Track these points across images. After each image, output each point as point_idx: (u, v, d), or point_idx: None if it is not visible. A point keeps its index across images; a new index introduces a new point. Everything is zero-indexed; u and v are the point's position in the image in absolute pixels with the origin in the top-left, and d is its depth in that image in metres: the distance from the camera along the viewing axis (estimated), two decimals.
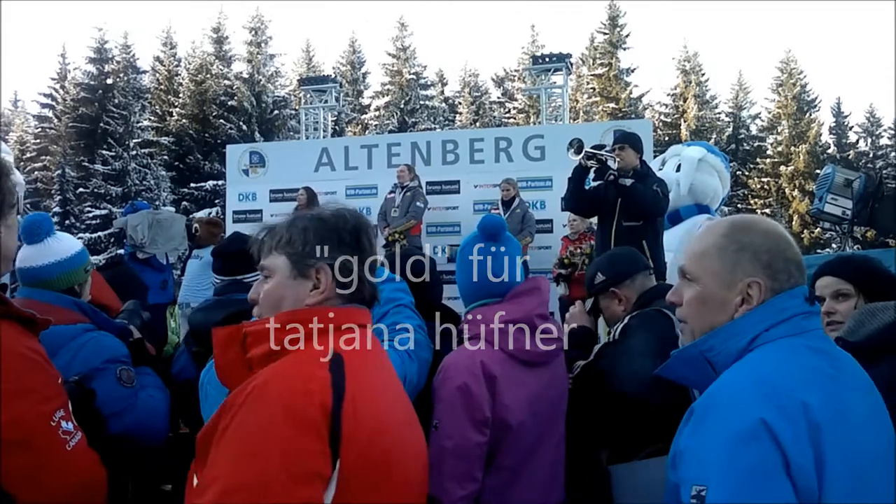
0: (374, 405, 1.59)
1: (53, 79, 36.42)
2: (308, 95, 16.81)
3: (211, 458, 1.46)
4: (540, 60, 15.69)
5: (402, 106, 36.98)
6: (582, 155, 6.25)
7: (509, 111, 38.57)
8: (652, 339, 2.70)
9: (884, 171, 33.05)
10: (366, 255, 1.78)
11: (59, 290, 2.76)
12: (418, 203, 10.25)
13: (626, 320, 2.94)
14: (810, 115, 36.84)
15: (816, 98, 37.66)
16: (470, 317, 2.60)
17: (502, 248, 2.62)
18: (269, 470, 1.39)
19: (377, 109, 38.66)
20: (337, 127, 30.76)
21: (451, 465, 2.31)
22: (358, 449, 1.48)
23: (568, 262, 9.08)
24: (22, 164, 31.82)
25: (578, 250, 9.05)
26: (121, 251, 8.53)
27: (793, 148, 35.07)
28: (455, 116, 39.16)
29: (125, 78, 33.45)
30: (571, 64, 15.76)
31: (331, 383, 1.51)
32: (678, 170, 8.00)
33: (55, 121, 34.30)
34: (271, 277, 1.74)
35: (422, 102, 38.09)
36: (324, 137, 15.74)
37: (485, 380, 2.40)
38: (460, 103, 40.02)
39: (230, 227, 11.95)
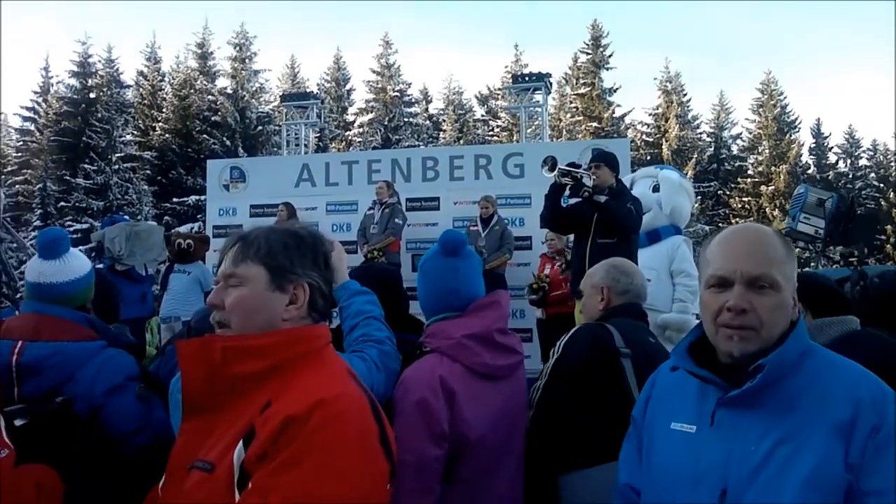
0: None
1: (36, 92, 36.32)
2: (290, 111, 16.82)
3: (277, 476, 1.44)
4: (520, 79, 15.80)
5: (385, 123, 37.12)
6: (556, 172, 6.31)
7: (493, 129, 38.73)
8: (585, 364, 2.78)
9: (863, 192, 33.51)
10: (332, 277, 1.86)
11: (74, 307, 2.79)
12: (397, 219, 10.28)
13: (571, 333, 2.92)
14: (790, 135, 37.32)
15: (797, 119, 38.26)
16: (430, 330, 2.63)
17: (463, 262, 2.66)
18: (362, 490, 1.50)
19: (361, 126, 38.76)
20: (321, 143, 30.77)
21: (409, 478, 2.28)
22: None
23: (537, 286, 9.13)
24: (3, 177, 31.68)
25: (557, 263, 9.10)
26: (100, 265, 8.52)
27: (773, 168, 35.45)
28: (439, 134, 39.28)
29: (108, 92, 33.31)
30: (551, 83, 15.88)
31: (370, 405, 1.63)
32: (655, 190, 8.06)
33: (37, 134, 34.07)
34: (242, 286, 1.69)
35: (406, 119, 38.25)
36: (305, 153, 15.75)
37: (443, 394, 2.41)
38: (444, 121, 40.13)
39: (211, 243, 11.94)
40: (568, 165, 6.46)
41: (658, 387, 2.01)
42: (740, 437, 1.69)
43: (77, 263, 2.86)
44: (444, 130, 39.25)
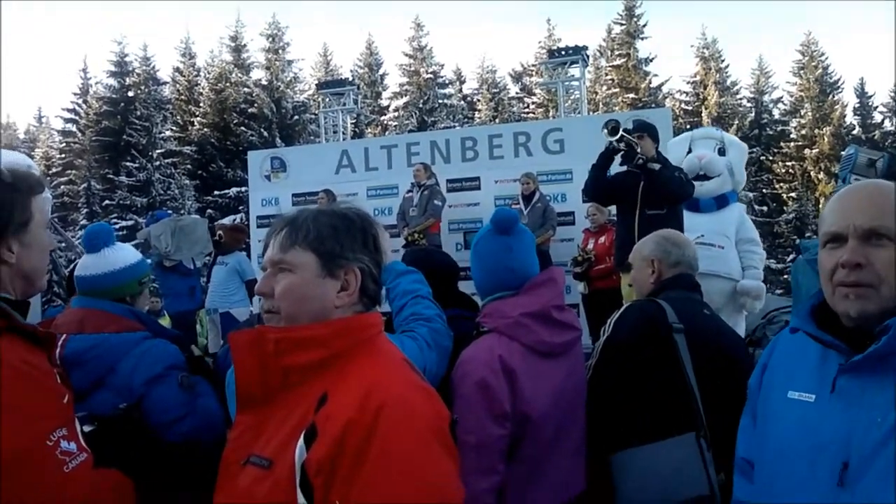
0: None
1: (76, 94, 36.97)
2: (326, 99, 16.87)
3: (350, 480, 1.39)
4: (556, 54, 15.63)
5: (420, 105, 37.08)
6: (617, 136, 6.15)
7: (528, 106, 38.46)
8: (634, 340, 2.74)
9: None
10: (382, 259, 1.75)
11: (114, 298, 2.81)
12: (436, 201, 10.25)
13: (622, 310, 2.87)
14: (833, 96, 36.41)
15: (839, 79, 37.23)
16: (486, 310, 2.61)
17: (516, 241, 2.62)
18: (440, 490, 1.44)
19: (396, 110, 38.80)
20: (357, 129, 30.83)
21: (474, 458, 2.27)
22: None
23: (582, 258, 9.05)
24: (48, 178, 32.22)
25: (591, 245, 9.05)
26: (148, 261, 8.59)
27: (816, 130, 34.70)
28: (474, 114, 39.12)
29: (146, 90, 33.74)
30: (588, 56, 15.66)
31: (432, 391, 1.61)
32: (721, 153, 7.73)
33: (79, 135, 34.69)
34: (291, 272, 1.62)
35: (440, 101, 38.16)
36: (343, 140, 15.78)
37: (503, 374, 2.39)
38: (479, 100, 39.97)
39: (254, 233, 12.09)
40: (624, 130, 6.29)
41: (777, 353, 1.89)
42: (865, 407, 1.54)
43: (116, 256, 2.88)
44: (479, 110, 39.09)
